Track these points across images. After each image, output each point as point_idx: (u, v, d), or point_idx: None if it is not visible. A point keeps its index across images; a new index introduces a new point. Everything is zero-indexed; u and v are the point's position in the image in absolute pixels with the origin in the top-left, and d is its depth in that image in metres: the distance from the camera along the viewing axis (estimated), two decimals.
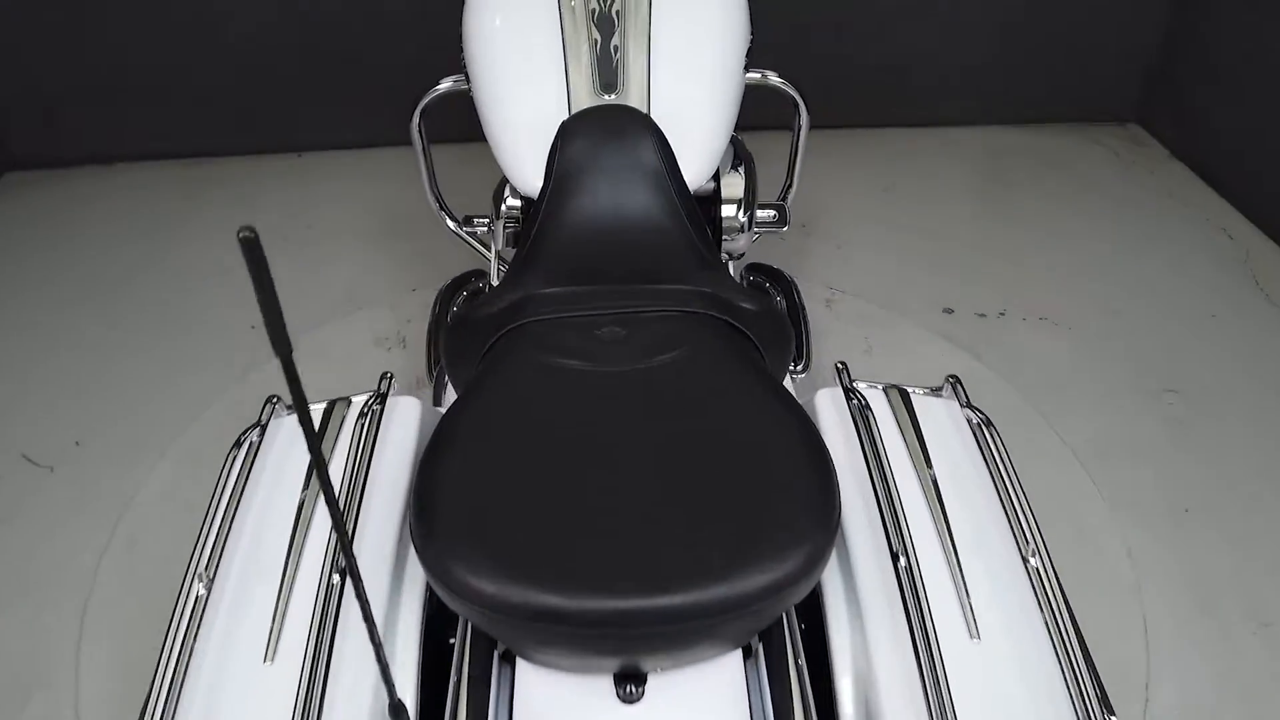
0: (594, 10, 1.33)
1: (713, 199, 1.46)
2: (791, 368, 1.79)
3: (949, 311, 2.42)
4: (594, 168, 1.23)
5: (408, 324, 2.33)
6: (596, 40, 1.32)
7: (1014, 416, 2.07)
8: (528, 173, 1.29)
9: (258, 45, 2.94)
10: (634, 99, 1.29)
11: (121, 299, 2.48)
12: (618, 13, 1.33)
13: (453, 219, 1.82)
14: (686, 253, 1.20)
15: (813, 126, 1.61)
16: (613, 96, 1.29)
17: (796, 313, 1.83)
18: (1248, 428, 2.07)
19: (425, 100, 1.65)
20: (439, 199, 1.81)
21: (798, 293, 1.87)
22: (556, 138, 1.25)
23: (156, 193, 2.95)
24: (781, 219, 1.66)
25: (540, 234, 1.22)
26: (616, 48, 1.32)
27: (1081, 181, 2.98)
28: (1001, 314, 2.42)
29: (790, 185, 1.73)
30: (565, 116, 1.28)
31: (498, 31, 1.37)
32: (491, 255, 1.73)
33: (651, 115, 1.27)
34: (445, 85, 1.61)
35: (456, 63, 1.49)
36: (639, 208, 1.22)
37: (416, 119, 1.67)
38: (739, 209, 1.48)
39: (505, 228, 1.47)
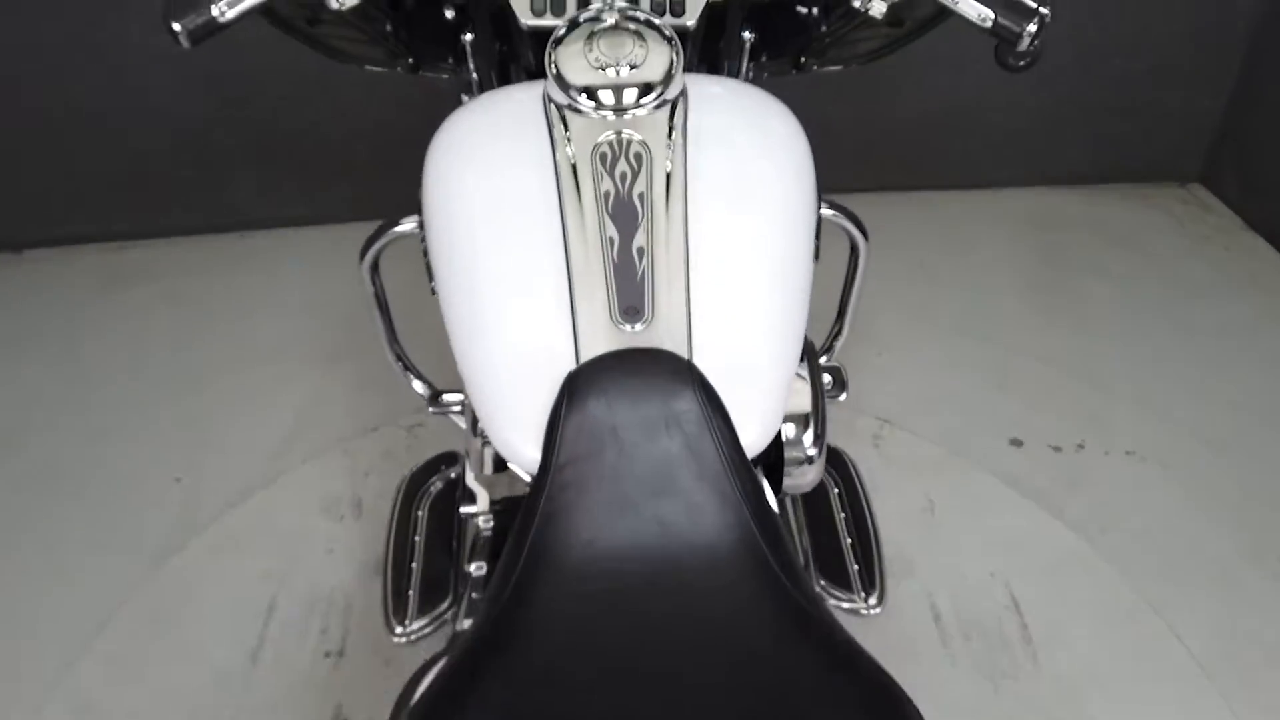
0: (608, 194, 0.92)
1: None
2: (855, 597, 1.38)
3: (1017, 444, 2.02)
4: (615, 444, 0.83)
5: (365, 480, 1.90)
6: (613, 240, 0.90)
7: (1122, 614, 1.67)
8: (516, 441, 0.88)
9: (186, 113, 2.50)
10: (668, 332, 0.87)
11: (10, 443, 2.04)
12: (640, 196, 0.92)
13: (421, 380, 1.41)
14: (760, 589, 0.79)
15: (833, 189, 1.19)
16: (638, 327, 0.87)
17: (863, 519, 1.43)
18: None
19: (379, 244, 1.24)
20: (403, 360, 1.40)
21: (862, 486, 1.46)
22: (561, 394, 0.84)
23: (69, 287, 2.50)
24: (838, 384, 1.25)
25: (535, 552, 0.81)
26: (641, 251, 0.90)
27: (1148, 261, 2.59)
28: (1080, 447, 2.02)
29: (839, 334, 1.33)
30: (571, 358, 0.87)
31: (472, 221, 0.95)
32: (467, 436, 1.32)
33: (695, 360, 0.86)
34: (407, 226, 1.21)
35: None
36: (682, 513, 0.81)
37: (368, 265, 1.27)
38: (807, 435, 1.07)
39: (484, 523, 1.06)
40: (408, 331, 1.30)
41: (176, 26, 0.86)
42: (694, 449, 0.82)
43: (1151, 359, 2.25)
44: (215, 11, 0.87)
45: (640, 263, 0.89)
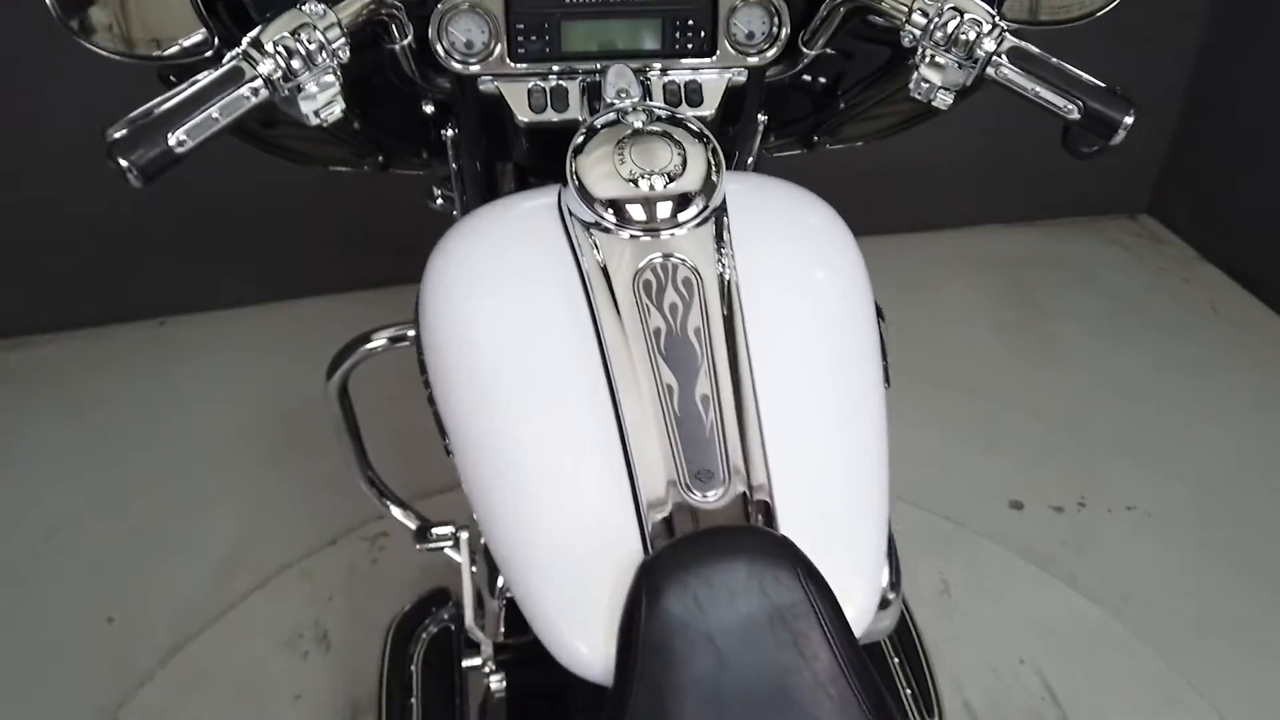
0: (659, 331, 0.78)
1: None
2: None
3: (1018, 507, 1.94)
4: (711, 654, 0.68)
5: (329, 605, 1.70)
6: (671, 388, 0.76)
7: (1161, 696, 1.58)
8: (578, 648, 0.72)
9: (88, 195, 2.26)
10: (750, 500, 0.73)
11: None
12: (697, 333, 0.78)
13: (404, 509, 1.25)
14: None
15: None
16: (714, 496, 0.73)
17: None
18: None
19: (349, 363, 1.09)
20: (379, 487, 1.24)
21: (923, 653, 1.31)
22: (635, 590, 0.69)
23: None
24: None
25: None
26: (706, 400, 0.76)
27: (1113, 297, 2.56)
28: (1081, 505, 1.95)
29: None
30: (637, 540, 0.72)
31: (496, 370, 0.81)
32: (465, 573, 1.17)
33: (784, 531, 0.72)
34: (380, 340, 1.06)
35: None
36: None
37: (335, 387, 1.11)
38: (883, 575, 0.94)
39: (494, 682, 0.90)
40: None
41: (124, 162, 0.69)
42: (805, 650, 0.68)
43: (1133, 402, 2.20)
44: (173, 142, 0.70)
45: (707, 415, 0.75)
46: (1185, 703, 1.56)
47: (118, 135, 0.69)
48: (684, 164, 0.81)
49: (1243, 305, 2.53)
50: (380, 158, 1.14)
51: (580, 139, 0.84)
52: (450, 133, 1.06)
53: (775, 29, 0.95)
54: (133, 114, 0.72)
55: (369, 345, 1.07)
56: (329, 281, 2.49)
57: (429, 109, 1.04)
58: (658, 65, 0.96)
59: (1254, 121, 2.54)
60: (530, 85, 0.95)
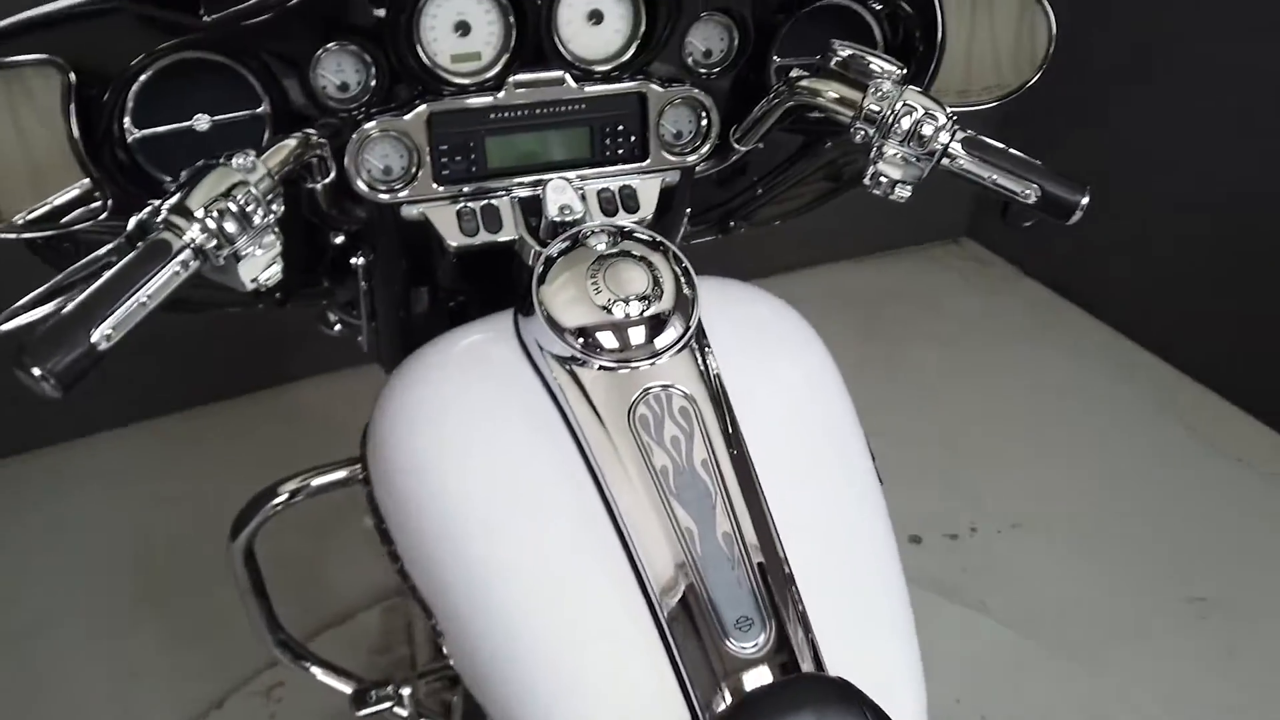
0: (665, 470, 0.72)
1: None
2: None
3: (916, 541, 1.99)
4: None
5: None
6: (691, 531, 0.71)
7: (1083, 700, 1.65)
8: None
9: None
10: (797, 642, 0.69)
11: None
12: (705, 465, 0.73)
13: (336, 674, 1.13)
14: None
15: None
16: (760, 643, 0.68)
17: None
18: None
19: (256, 522, 0.99)
20: (297, 651, 1.12)
21: None
22: None
23: None
24: None
25: None
26: (729, 538, 0.71)
27: (956, 320, 2.70)
28: (973, 530, 2.02)
29: None
30: (682, 707, 0.66)
31: (489, 537, 0.73)
32: None
33: (834, 670, 0.68)
34: (285, 495, 0.96)
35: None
36: None
37: (240, 549, 1.00)
38: None
39: None
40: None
41: (38, 371, 0.57)
42: None
43: (995, 419, 2.32)
44: (97, 338, 0.59)
45: (733, 554, 0.70)
46: (1120, 714, 1.63)
47: (28, 340, 0.57)
48: (658, 285, 0.76)
49: (1068, 316, 2.73)
50: (278, 294, 1.03)
51: (541, 267, 0.78)
52: (361, 260, 0.97)
53: (704, 127, 0.93)
54: (34, 308, 0.61)
55: (275, 501, 0.96)
56: (165, 401, 2.27)
57: (338, 239, 0.95)
58: (590, 173, 0.92)
59: (1059, 138, 2.76)
60: (459, 207, 0.88)
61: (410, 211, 0.88)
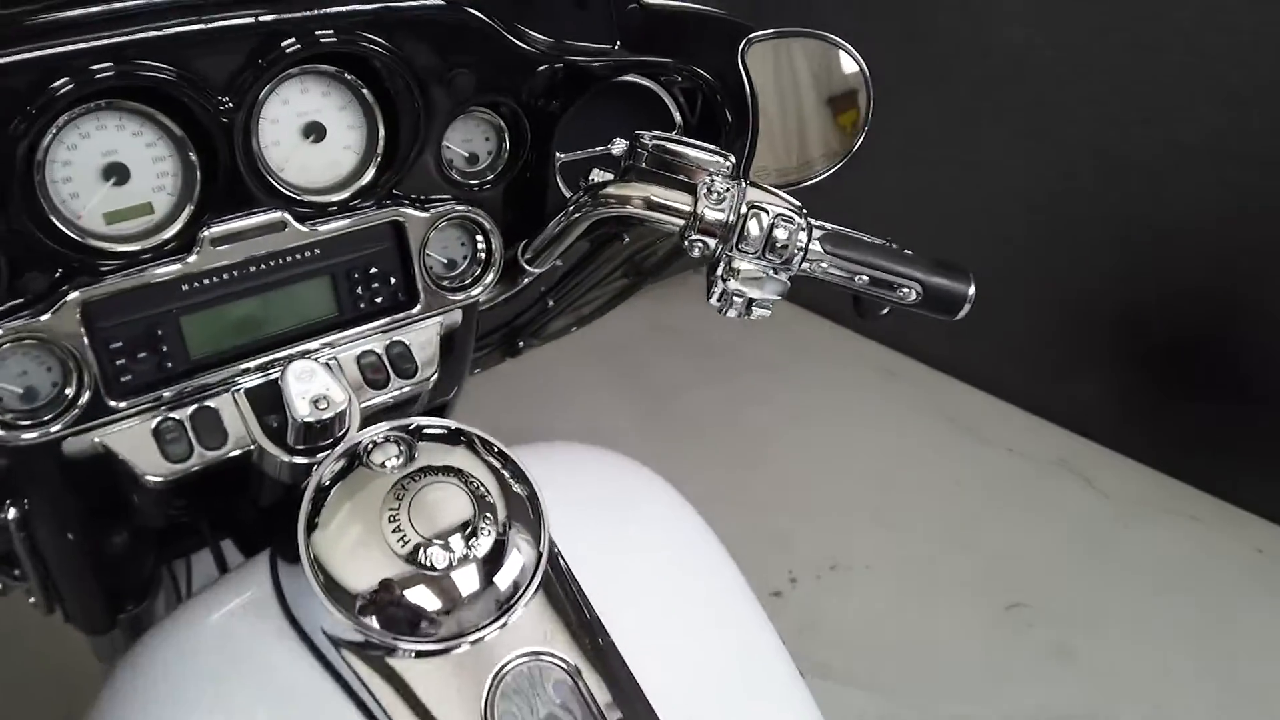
0: None
1: None
2: None
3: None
4: None
5: None
6: None
7: None
8: None
9: None
10: None
11: None
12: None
13: None
14: None
15: None
16: None
17: None
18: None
19: None
20: None
21: None
22: None
23: None
24: None
25: None
26: None
27: (719, 353, 2.63)
28: (793, 581, 1.93)
29: None
30: None
31: None
32: None
33: None
34: None
35: None
36: None
37: None
38: None
39: None
40: None
41: None
42: None
43: (779, 451, 2.25)
44: None
45: None
46: None
47: None
48: (482, 502, 0.54)
49: (816, 328, 2.73)
50: None
51: (308, 505, 0.53)
52: (11, 514, 0.66)
53: (484, 251, 0.71)
54: None
55: None
56: None
57: None
58: (342, 337, 0.67)
59: None
60: (157, 423, 0.61)
61: (78, 445, 0.59)
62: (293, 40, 0.57)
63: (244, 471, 0.64)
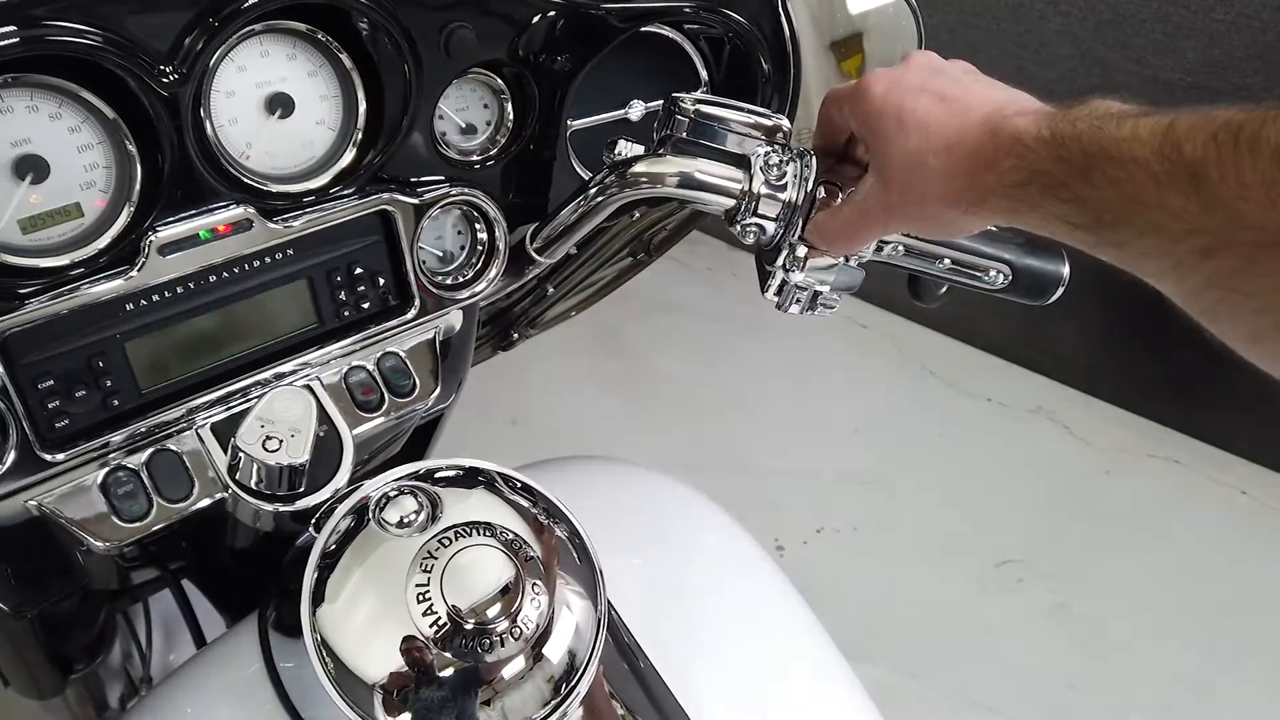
0: None
1: None
2: None
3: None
4: None
5: None
6: None
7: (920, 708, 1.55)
8: None
9: None
10: None
11: None
12: None
13: None
14: None
15: None
16: None
17: None
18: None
19: None
20: None
21: None
22: None
23: None
24: None
25: None
26: None
27: (683, 313, 2.53)
28: (780, 548, 1.87)
29: None
30: None
31: None
32: None
33: None
34: None
35: None
36: None
37: None
38: None
39: None
40: None
41: None
42: None
43: (750, 415, 2.18)
44: None
45: None
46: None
47: None
48: (518, 555, 0.44)
49: None
50: None
51: (314, 573, 0.43)
52: None
53: (485, 240, 0.60)
54: None
55: None
56: None
57: None
58: (323, 354, 0.56)
59: None
60: (105, 474, 0.49)
61: (7, 510, 0.47)
62: None
63: (218, 519, 0.53)
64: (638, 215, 0.75)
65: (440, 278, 0.60)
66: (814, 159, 0.51)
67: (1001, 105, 0.46)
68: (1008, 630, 1.72)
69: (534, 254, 0.62)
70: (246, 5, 0.45)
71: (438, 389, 0.59)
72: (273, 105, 0.50)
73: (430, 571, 0.42)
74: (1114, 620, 1.73)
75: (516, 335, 0.84)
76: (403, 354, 0.58)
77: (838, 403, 2.23)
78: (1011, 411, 2.20)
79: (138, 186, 0.47)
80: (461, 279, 0.60)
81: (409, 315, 0.58)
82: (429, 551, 0.43)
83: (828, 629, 1.66)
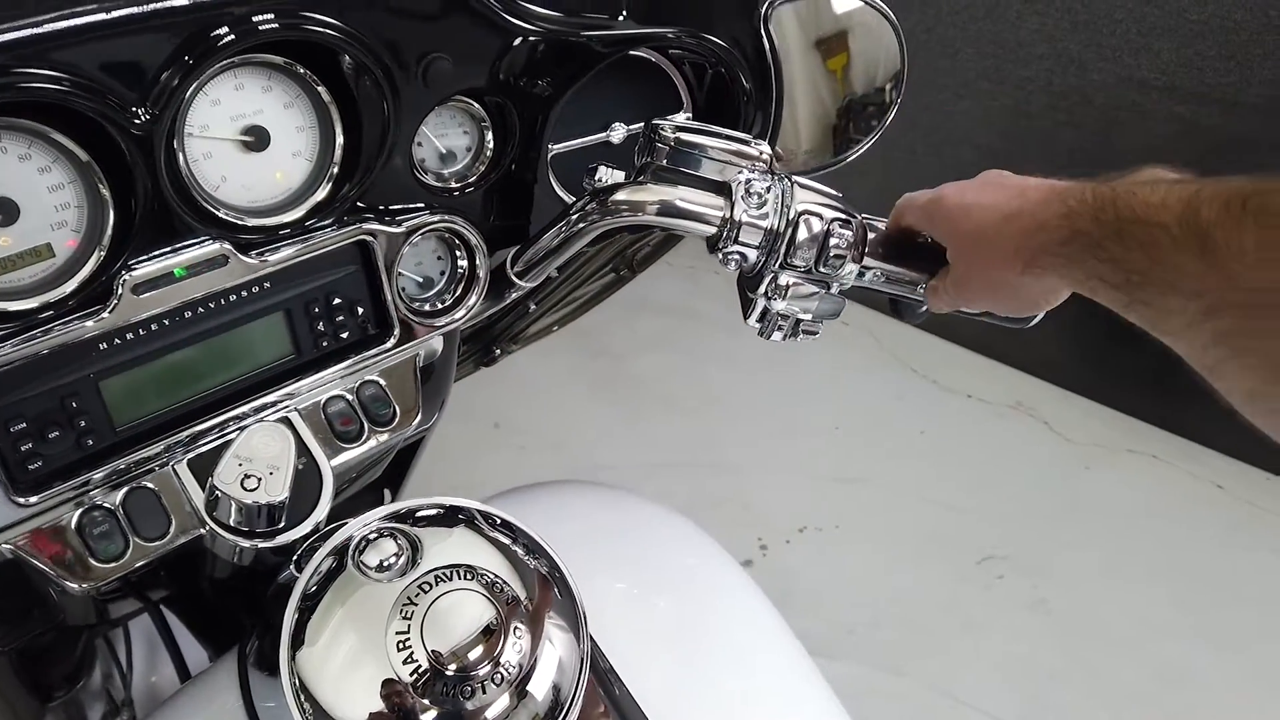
0: None
1: None
2: None
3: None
4: None
5: None
6: None
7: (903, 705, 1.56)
8: None
9: None
10: None
11: None
12: None
13: None
14: None
15: None
16: None
17: None
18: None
19: None
20: None
21: None
22: None
23: None
24: None
25: None
26: None
27: (669, 314, 2.53)
28: (763, 548, 1.87)
29: None
30: None
31: None
32: None
33: None
34: None
35: None
36: None
37: None
38: None
39: None
40: None
41: None
42: None
43: (734, 413, 2.18)
44: None
45: None
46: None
47: None
48: (500, 594, 0.44)
49: None
50: None
51: (294, 615, 0.43)
52: None
53: (465, 266, 0.60)
54: None
55: None
56: None
57: None
58: (301, 387, 0.55)
59: None
60: (80, 515, 0.49)
61: None
62: (225, 30, 0.44)
63: (197, 552, 0.52)
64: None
65: (420, 304, 0.59)
66: (794, 186, 0.51)
67: (1055, 185, 0.50)
68: (989, 625, 1.73)
69: (515, 278, 0.62)
70: (223, 43, 0.44)
71: (419, 414, 0.59)
72: (250, 138, 0.49)
73: (410, 619, 0.42)
74: (1094, 614, 1.75)
75: (499, 351, 0.84)
76: (382, 382, 0.58)
77: (819, 400, 2.24)
78: (992, 407, 2.21)
79: (110, 225, 0.46)
80: (441, 305, 0.60)
81: (388, 344, 0.57)
82: (409, 598, 0.42)
83: (809, 628, 1.66)
